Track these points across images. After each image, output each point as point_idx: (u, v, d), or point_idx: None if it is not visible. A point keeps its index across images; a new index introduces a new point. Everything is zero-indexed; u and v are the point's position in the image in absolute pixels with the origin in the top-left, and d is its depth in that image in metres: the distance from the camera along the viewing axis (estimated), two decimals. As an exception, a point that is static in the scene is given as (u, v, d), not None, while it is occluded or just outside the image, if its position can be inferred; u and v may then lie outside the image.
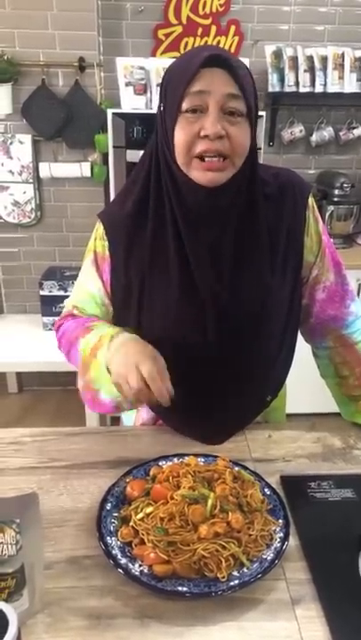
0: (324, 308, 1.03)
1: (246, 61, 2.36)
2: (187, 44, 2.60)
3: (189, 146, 0.83)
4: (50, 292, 2.51)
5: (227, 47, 2.62)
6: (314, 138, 2.73)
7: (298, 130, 2.72)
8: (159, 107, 0.88)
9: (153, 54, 2.60)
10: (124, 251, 0.95)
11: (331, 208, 2.63)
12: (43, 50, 2.38)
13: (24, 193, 2.57)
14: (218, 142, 0.81)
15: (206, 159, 0.83)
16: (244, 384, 0.99)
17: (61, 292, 2.47)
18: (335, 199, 2.64)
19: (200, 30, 2.59)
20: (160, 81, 0.91)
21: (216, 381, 0.97)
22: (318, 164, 2.86)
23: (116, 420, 1.13)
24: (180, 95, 0.81)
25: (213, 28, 2.59)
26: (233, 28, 2.60)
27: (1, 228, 2.67)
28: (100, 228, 0.98)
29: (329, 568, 0.76)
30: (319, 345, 1.11)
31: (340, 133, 2.74)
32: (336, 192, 2.63)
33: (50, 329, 2.42)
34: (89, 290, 1.01)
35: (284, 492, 0.90)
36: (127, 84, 2.33)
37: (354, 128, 2.75)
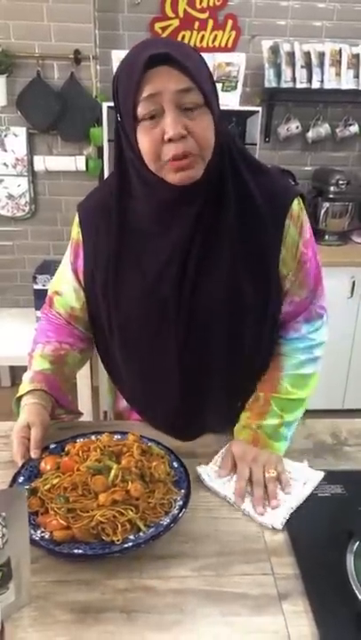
0: (286, 318, 0.99)
1: (243, 56, 2.36)
2: (183, 37, 2.58)
3: (157, 153, 0.79)
4: (43, 285, 2.49)
5: (223, 42, 2.61)
6: (310, 134, 2.73)
7: (294, 126, 2.71)
8: (116, 117, 0.85)
9: (149, 48, 2.58)
10: (92, 240, 0.96)
11: (326, 205, 2.63)
12: (38, 42, 2.36)
13: (18, 186, 2.56)
14: (182, 143, 0.78)
15: (176, 159, 0.80)
16: (210, 382, 0.99)
17: (48, 291, 2.45)
18: (331, 196, 2.64)
19: (197, 24, 2.57)
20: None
21: (183, 377, 0.96)
22: (314, 160, 2.86)
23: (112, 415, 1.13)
24: (132, 104, 0.77)
25: (210, 23, 2.57)
26: (230, 22, 2.59)
27: (-5, 222, 2.66)
28: (76, 216, 1.00)
29: (317, 563, 0.76)
30: None
31: (337, 130, 2.74)
32: (332, 189, 2.63)
33: (43, 323, 2.41)
34: (66, 276, 1.03)
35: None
36: (122, 78, 2.31)
37: (350, 125, 2.74)
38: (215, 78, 2.33)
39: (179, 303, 0.90)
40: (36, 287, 2.52)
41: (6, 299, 2.83)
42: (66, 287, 1.03)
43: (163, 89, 0.76)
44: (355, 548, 0.78)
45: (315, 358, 1.01)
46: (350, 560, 0.77)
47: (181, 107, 0.77)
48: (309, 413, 1.09)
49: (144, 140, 0.79)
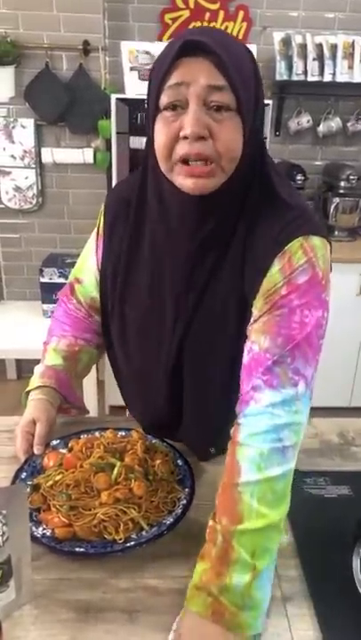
0: (243, 375, 0.75)
1: (254, 48, 2.32)
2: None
3: (170, 149, 0.71)
4: (50, 279, 2.48)
5: (234, 33, 2.57)
6: (321, 128, 2.69)
7: (305, 120, 2.67)
8: (145, 106, 0.79)
9: (159, 39, 2.56)
10: (109, 234, 0.92)
11: (336, 200, 2.60)
12: (47, 32, 2.34)
13: (26, 178, 2.54)
14: (200, 144, 0.69)
15: (190, 163, 0.71)
16: (204, 399, 0.89)
17: (62, 280, 2.44)
18: (341, 191, 2.60)
19: (208, 15, 2.54)
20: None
21: (171, 387, 0.89)
22: (325, 155, 2.82)
23: (117, 410, 1.13)
24: (157, 90, 0.71)
25: (221, 14, 2.54)
26: (241, 13, 2.55)
27: (2, 214, 2.65)
28: (103, 204, 0.95)
29: (322, 566, 0.75)
30: None
31: (348, 124, 2.70)
32: (342, 184, 2.60)
33: (49, 316, 2.41)
34: (88, 263, 0.99)
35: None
36: (132, 69, 2.29)
37: (362, 119, 2.70)
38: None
39: (177, 314, 0.85)
40: (42, 280, 2.52)
41: (13, 291, 2.83)
42: (87, 276, 0.99)
43: (191, 79, 0.68)
44: (361, 550, 0.77)
45: (284, 449, 0.70)
46: (357, 563, 0.76)
47: (208, 105, 0.69)
48: (315, 411, 1.08)
49: (160, 133, 0.72)
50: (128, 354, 0.94)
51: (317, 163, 2.82)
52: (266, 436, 0.70)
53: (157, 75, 0.71)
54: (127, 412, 1.15)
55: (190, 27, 2.55)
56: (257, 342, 0.74)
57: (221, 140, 0.70)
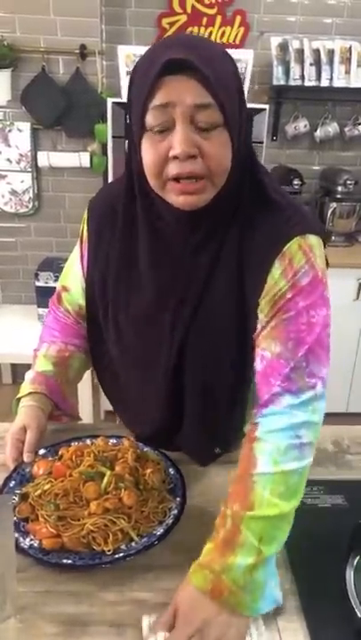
0: (259, 384, 0.77)
1: (251, 53, 2.32)
2: (191, 33, 2.54)
3: (159, 169, 0.71)
4: (46, 283, 2.47)
5: (231, 38, 2.57)
6: (318, 133, 2.68)
7: (302, 125, 2.67)
8: (125, 116, 0.78)
9: (156, 43, 2.55)
10: (95, 242, 0.91)
11: (333, 205, 2.59)
12: (44, 36, 2.33)
13: (22, 182, 2.53)
14: (190, 163, 0.68)
15: (181, 181, 0.70)
16: (206, 402, 0.87)
17: (57, 284, 2.43)
18: (338, 196, 2.59)
19: (205, 20, 2.53)
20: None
21: (178, 394, 0.88)
22: (322, 159, 2.81)
23: (113, 415, 1.11)
24: (142, 110, 0.69)
25: (219, 18, 2.53)
26: (239, 18, 2.55)
27: (-2, 218, 2.64)
28: (85, 211, 0.95)
29: (315, 578, 0.74)
30: None
31: (346, 129, 2.69)
32: (339, 189, 2.59)
33: (45, 321, 2.39)
34: (74, 271, 0.98)
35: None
36: (128, 73, 2.28)
37: (359, 124, 2.69)
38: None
39: (175, 321, 0.83)
40: (38, 284, 2.50)
41: (8, 295, 2.81)
42: (73, 283, 0.99)
43: (177, 100, 0.66)
44: (355, 562, 0.76)
45: (301, 446, 0.72)
46: (350, 575, 0.74)
47: (196, 123, 0.68)
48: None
49: (148, 153, 0.71)
50: (126, 361, 0.92)
51: (315, 167, 2.81)
52: (284, 433, 0.73)
53: (140, 92, 0.69)
54: (117, 420, 1.13)
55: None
56: (268, 349, 0.75)
57: (211, 157, 0.69)
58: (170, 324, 0.83)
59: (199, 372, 0.85)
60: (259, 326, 0.77)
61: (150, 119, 0.69)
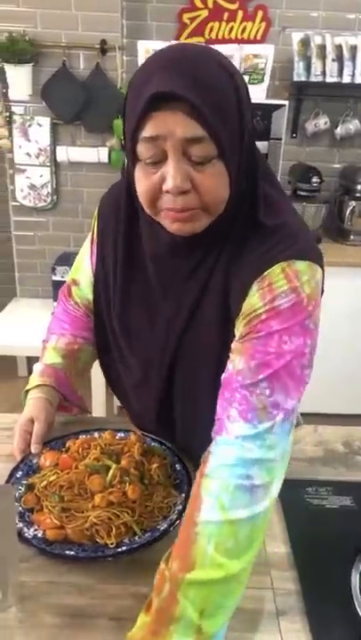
0: (219, 394, 0.71)
1: (271, 48, 2.30)
2: (212, 28, 2.53)
3: (153, 200, 0.68)
4: (62, 277, 2.49)
5: (253, 34, 2.54)
6: (339, 130, 2.65)
7: (322, 122, 2.63)
8: (122, 135, 0.74)
9: (177, 38, 2.54)
10: (102, 240, 0.90)
11: (353, 204, 2.55)
12: (65, 31, 2.34)
13: (41, 176, 2.55)
14: (183, 198, 0.66)
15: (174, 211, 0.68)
16: (194, 417, 0.85)
17: (68, 277, 2.45)
18: (357, 195, 2.55)
19: (226, 15, 2.51)
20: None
21: (169, 408, 0.89)
22: (343, 157, 2.77)
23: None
24: (132, 140, 0.65)
25: (240, 14, 2.51)
26: (260, 13, 2.52)
27: (17, 212, 2.66)
28: (97, 208, 0.94)
29: (319, 580, 0.73)
30: None
31: (367, 127, 2.65)
32: (359, 187, 2.55)
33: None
34: (83, 265, 0.98)
35: (278, 496, 0.86)
36: (148, 69, 2.28)
37: (381, 122, 2.65)
38: (242, 71, 2.28)
39: (166, 341, 0.83)
40: (54, 278, 2.52)
41: (26, 289, 2.84)
42: (83, 278, 0.99)
43: (167, 133, 0.62)
44: (361, 565, 0.74)
45: (252, 488, 0.62)
46: (356, 578, 0.73)
47: (189, 156, 0.64)
48: (321, 418, 1.05)
49: (141, 183, 0.68)
50: (123, 365, 0.93)
51: (335, 165, 2.77)
52: (233, 470, 0.63)
53: (129, 123, 0.66)
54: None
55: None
56: (232, 362, 0.69)
57: (206, 191, 0.66)
58: (160, 348, 0.83)
59: (187, 394, 0.85)
60: (232, 345, 0.72)
61: (142, 150, 0.65)
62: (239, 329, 0.72)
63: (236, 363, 0.68)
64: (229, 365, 0.70)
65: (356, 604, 0.69)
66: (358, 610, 0.68)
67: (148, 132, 0.63)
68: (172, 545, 0.62)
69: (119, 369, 0.94)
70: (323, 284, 0.73)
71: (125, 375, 0.93)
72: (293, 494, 0.87)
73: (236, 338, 0.72)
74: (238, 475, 0.62)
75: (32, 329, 2.49)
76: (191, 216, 0.68)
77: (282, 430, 0.65)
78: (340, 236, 2.64)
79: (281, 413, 0.65)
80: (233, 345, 0.72)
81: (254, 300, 0.69)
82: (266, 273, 0.69)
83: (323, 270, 0.73)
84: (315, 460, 0.97)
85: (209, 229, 0.72)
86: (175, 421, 0.90)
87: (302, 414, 1.21)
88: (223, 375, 0.70)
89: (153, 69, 0.64)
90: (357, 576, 0.73)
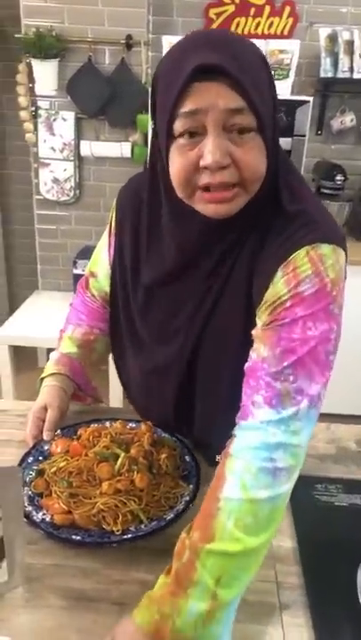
0: (243, 382, 0.71)
1: (297, 43, 2.28)
2: (238, 24, 2.51)
3: (188, 178, 0.67)
4: (83, 270, 2.48)
5: (280, 29, 2.52)
6: (365, 128, 2.61)
7: (349, 119, 2.59)
8: (151, 120, 0.74)
9: (203, 34, 2.53)
10: (120, 233, 0.90)
11: (377, 202, 2.51)
12: (91, 26, 2.36)
13: (64, 170, 2.58)
14: (222, 173, 0.65)
15: (212, 190, 0.67)
16: (214, 409, 0.85)
17: (86, 269, 2.47)
18: (383, 193, 2.51)
19: (253, 10, 2.49)
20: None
21: (189, 399, 0.88)
22: (368, 155, 2.73)
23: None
24: (169, 116, 0.65)
25: (267, 9, 2.49)
26: (288, 9, 2.49)
27: (40, 205, 2.69)
28: (115, 201, 0.95)
29: (324, 576, 0.72)
30: None
31: (394, 124, 2.60)
32: (384, 186, 2.51)
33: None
34: (101, 257, 0.99)
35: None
36: (173, 64, 2.28)
37: None
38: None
39: (186, 335, 0.83)
40: (75, 272, 2.55)
41: (48, 282, 2.87)
42: (100, 270, 1.00)
43: (209, 106, 0.62)
44: (367, 563, 0.74)
45: (275, 471, 0.64)
46: (361, 576, 0.72)
47: (228, 129, 0.64)
48: (334, 419, 1.04)
49: (176, 162, 0.67)
50: (138, 357, 0.93)
51: (360, 163, 2.73)
52: (257, 453, 0.64)
53: (167, 98, 0.65)
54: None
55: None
56: (256, 350, 0.70)
57: (246, 166, 0.66)
58: (183, 333, 0.83)
59: (209, 382, 0.85)
60: (254, 332, 0.72)
61: (179, 126, 0.65)
62: (262, 317, 0.72)
63: (261, 350, 0.69)
64: (253, 354, 0.70)
65: (360, 600, 0.69)
66: (363, 607, 0.68)
67: (188, 105, 0.63)
68: (194, 518, 0.66)
69: (130, 361, 0.95)
70: (346, 268, 0.73)
71: (145, 361, 0.92)
72: (302, 490, 0.86)
73: (259, 325, 0.72)
74: (262, 457, 0.64)
75: (53, 321, 2.52)
76: (228, 197, 0.67)
77: (307, 417, 0.66)
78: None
79: (306, 399, 0.66)
80: (255, 332, 0.72)
81: (279, 286, 0.69)
82: (291, 258, 0.69)
83: (346, 254, 0.72)
84: (326, 458, 0.97)
85: (241, 213, 0.71)
86: (194, 412, 0.89)
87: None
88: (247, 364, 0.71)
89: (189, 47, 0.65)
90: (363, 574, 0.72)
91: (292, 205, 0.72)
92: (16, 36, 2.38)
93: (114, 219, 0.93)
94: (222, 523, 0.62)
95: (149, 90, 2.23)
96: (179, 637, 0.58)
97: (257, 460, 0.64)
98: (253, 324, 0.73)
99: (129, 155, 2.52)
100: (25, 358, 2.96)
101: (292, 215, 0.71)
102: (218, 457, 0.89)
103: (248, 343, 0.73)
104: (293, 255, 0.68)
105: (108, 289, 0.98)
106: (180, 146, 0.66)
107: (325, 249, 0.69)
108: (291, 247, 0.69)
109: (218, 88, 0.62)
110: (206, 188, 0.67)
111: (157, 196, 0.78)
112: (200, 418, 0.89)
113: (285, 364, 0.66)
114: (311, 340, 0.66)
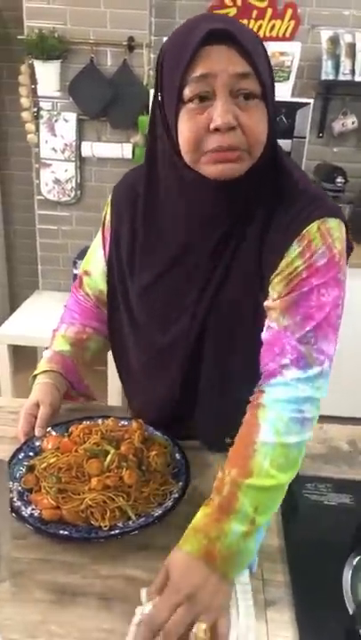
0: (263, 351, 0.78)
1: (298, 45, 2.29)
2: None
3: (197, 142, 0.71)
4: (83, 271, 2.52)
5: (281, 32, 2.52)
6: (367, 130, 2.61)
7: (350, 121, 2.60)
8: (155, 96, 0.77)
9: (205, 36, 2.54)
10: (116, 227, 0.92)
11: (378, 205, 2.51)
12: (93, 28, 2.37)
13: (65, 171, 2.59)
14: (230, 135, 0.69)
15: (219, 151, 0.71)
16: (221, 385, 0.89)
17: (79, 270, 2.48)
18: (383, 196, 2.51)
19: (255, 13, 2.50)
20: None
21: (193, 377, 0.90)
22: (370, 158, 2.73)
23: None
24: (180, 82, 0.68)
25: (269, 11, 2.49)
26: (290, 11, 2.49)
27: (41, 205, 2.71)
28: (110, 196, 0.96)
29: (311, 575, 0.72)
30: None
31: (396, 127, 2.60)
32: (385, 188, 2.51)
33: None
34: (96, 256, 1.00)
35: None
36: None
37: None
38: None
39: (194, 310, 0.85)
40: (75, 272, 2.56)
41: (48, 282, 2.89)
42: (95, 268, 1.01)
43: (219, 70, 0.67)
44: (354, 562, 0.74)
45: (303, 420, 0.73)
46: (348, 574, 0.72)
47: (235, 93, 0.69)
48: (325, 419, 1.04)
49: (186, 126, 0.70)
50: (142, 346, 0.93)
51: (361, 166, 2.73)
52: (288, 405, 0.73)
53: (177, 64, 0.69)
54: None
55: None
56: (276, 321, 0.76)
57: (250, 129, 0.70)
58: (191, 309, 0.85)
59: (218, 357, 0.86)
60: (270, 300, 0.78)
61: (188, 92, 0.69)
62: (276, 287, 0.77)
63: (281, 320, 0.76)
64: (273, 323, 0.77)
65: (345, 600, 0.69)
66: (347, 605, 0.68)
67: (199, 70, 0.68)
68: (229, 455, 0.75)
69: (132, 355, 0.95)
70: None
71: (148, 345, 0.92)
72: (292, 489, 0.86)
73: (275, 296, 0.77)
74: (292, 409, 0.73)
75: (52, 321, 2.53)
76: (234, 157, 0.71)
77: (326, 374, 0.76)
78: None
79: (326, 359, 0.76)
80: (271, 304, 0.78)
81: (294, 256, 0.76)
82: (305, 231, 0.75)
83: (347, 227, 0.80)
84: (317, 457, 0.97)
85: (245, 179, 0.74)
86: (195, 402, 0.90)
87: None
88: (267, 334, 0.77)
89: (197, 19, 0.72)
90: (350, 573, 0.72)
91: (293, 184, 0.79)
92: (19, 37, 2.41)
93: (108, 213, 0.95)
94: (259, 462, 0.71)
95: (151, 90, 2.24)
96: (225, 554, 0.67)
97: (288, 412, 0.73)
98: (265, 293, 0.79)
99: (130, 156, 2.53)
100: (24, 358, 2.97)
101: (297, 192, 0.78)
102: (227, 439, 0.90)
103: (260, 312, 0.79)
104: (307, 229, 0.75)
105: (102, 287, 0.99)
106: (189, 110, 0.70)
107: (332, 222, 0.76)
108: (304, 221, 0.75)
109: (228, 53, 0.68)
110: (214, 151, 0.71)
111: (154, 187, 0.81)
112: (204, 393, 0.90)
113: (307, 328, 0.74)
114: (326, 305, 0.75)
